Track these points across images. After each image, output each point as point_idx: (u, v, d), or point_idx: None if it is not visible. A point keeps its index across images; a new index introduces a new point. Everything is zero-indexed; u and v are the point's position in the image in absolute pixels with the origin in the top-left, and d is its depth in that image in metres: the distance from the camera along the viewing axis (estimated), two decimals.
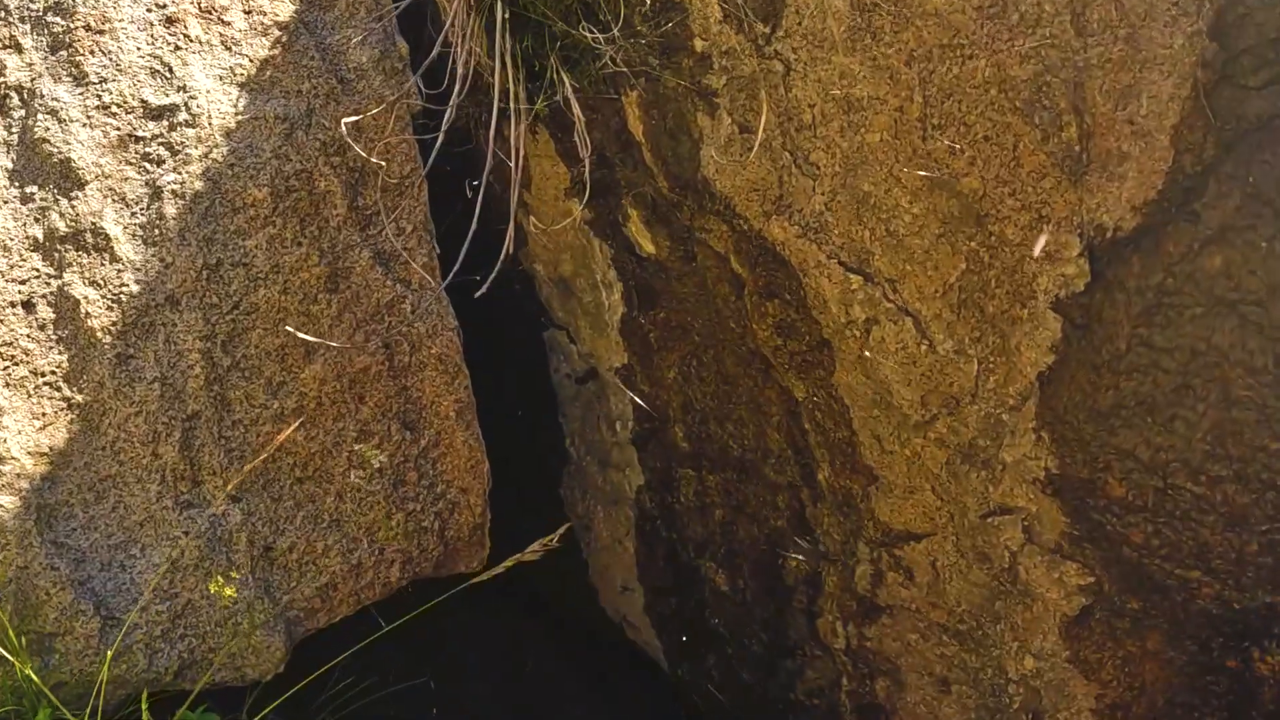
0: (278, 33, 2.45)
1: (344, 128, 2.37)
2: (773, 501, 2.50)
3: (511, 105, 2.24)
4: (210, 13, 2.40)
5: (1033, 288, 1.74)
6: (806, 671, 2.56)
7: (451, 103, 2.26)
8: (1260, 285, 1.51)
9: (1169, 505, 1.68)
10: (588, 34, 1.96)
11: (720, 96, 1.99)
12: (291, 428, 2.20)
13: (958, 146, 1.70)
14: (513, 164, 2.41)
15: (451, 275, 2.47)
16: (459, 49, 2.15)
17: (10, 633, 2.18)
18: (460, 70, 2.19)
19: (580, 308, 2.74)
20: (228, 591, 2.15)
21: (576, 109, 2.21)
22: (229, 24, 2.41)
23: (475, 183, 2.43)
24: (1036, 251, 1.58)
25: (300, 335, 2.37)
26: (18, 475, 2.22)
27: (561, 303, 2.81)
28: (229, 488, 2.35)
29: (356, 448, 2.44)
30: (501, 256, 2.37)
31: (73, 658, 2.25)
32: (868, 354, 2.03)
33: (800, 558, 2.48)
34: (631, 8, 1.91)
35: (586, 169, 2.32)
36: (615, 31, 1.91)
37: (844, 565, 2.36)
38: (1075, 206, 1.65)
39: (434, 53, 2.19)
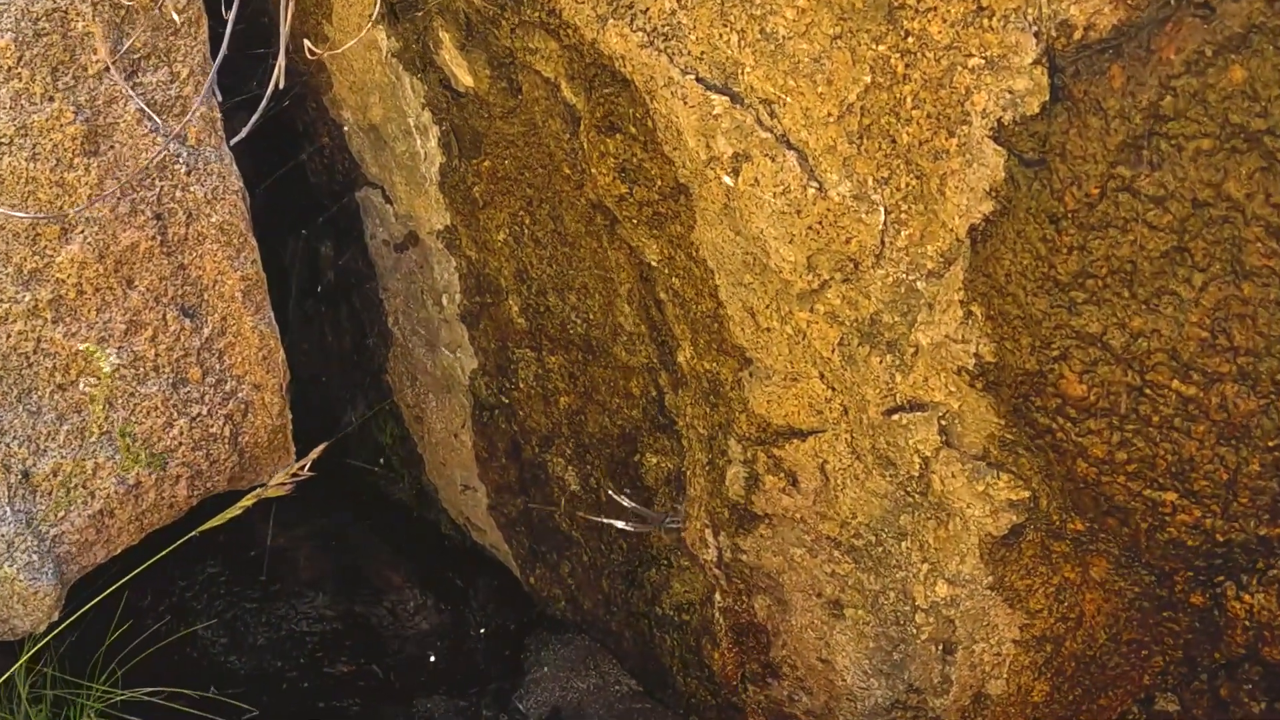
0: None
1: None
2: (625, 388, 1.96)
3: None
4: None
5: (965, 109, 1.17)
6: (673, 584, 2.08)
7: None
8: None
9: (1145, 409, 1.18)
10: None
11: None
12: None
13: None
14: None
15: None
16: None
17: None
18: None
19: (394, 160, 2.12)
20: None
21: None
22: None
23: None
24: None
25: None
26: None
27: (374, 156, 2.18)
28: None
29: (81, 347, 1.84)
30: (267, 95, 1.72)
31: None
32: (736, 202, 1.46)
33: (657, 459, 1.97)
34: None
35: None
36: None
37: (711, 465, 1.85)
38: None
39: None
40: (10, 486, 1.88)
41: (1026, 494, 1.41)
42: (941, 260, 1.30)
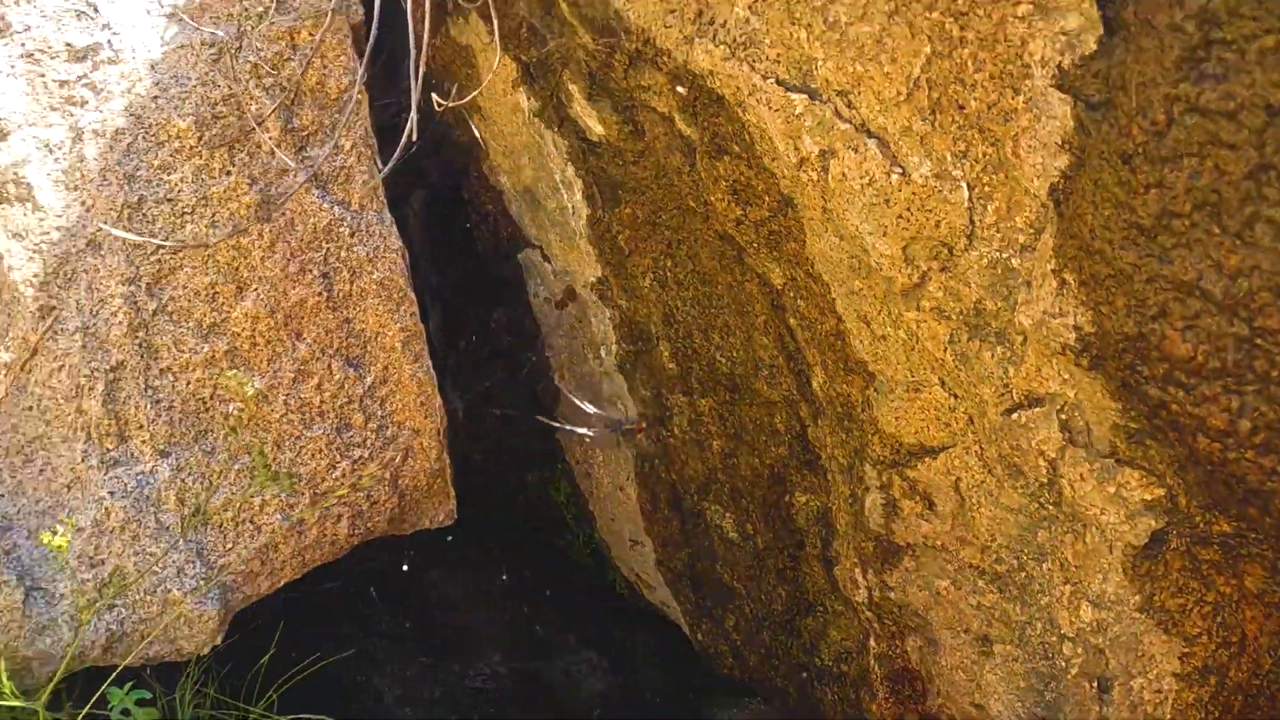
0: None
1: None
2: (771, 424, 1.93)
3: None
4: None
5: (1025, 61, 1.12)
6: (830, 631, 1.98)
7: None
8: None
9: (1260, 364, 1.05)
10: None
11: None
12: None
13: None
14: (412, 47, 1.91)
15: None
16: None
17: None
18: None
19: (548, 218, 2.23)
20: (58, 543, 1.75)
21: None
22: None
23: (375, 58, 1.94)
24: None
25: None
26: None
27: (531, 217, 2.31)
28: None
29: (227, 373, 2.01)
30: (401, 144, 1.87)
31: None
32: (831, 203, 1.44)
33: (806, 497, 1.90)
34: None
35: (496, 33, 1.79)
36: None
37: (853, 497, 1.77)
38: None
39: None
40: (184, 518, 2.04)
41: (1161, 491, 1.26)
42: (1031, 231, 1.22)
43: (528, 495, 2.80)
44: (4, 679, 1.89)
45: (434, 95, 1.87)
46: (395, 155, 1.82)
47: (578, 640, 2.60)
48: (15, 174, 2.04)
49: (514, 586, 2.68)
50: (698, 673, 2.51)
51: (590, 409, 1.71)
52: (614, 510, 2.48)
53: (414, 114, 1.86)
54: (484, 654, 2.58)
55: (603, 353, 2.29)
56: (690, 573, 2.32)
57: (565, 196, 2.14)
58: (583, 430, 1.76)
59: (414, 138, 1.86)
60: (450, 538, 2.61)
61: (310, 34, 2.10)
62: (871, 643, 1.87)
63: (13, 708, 1.89)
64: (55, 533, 1.76)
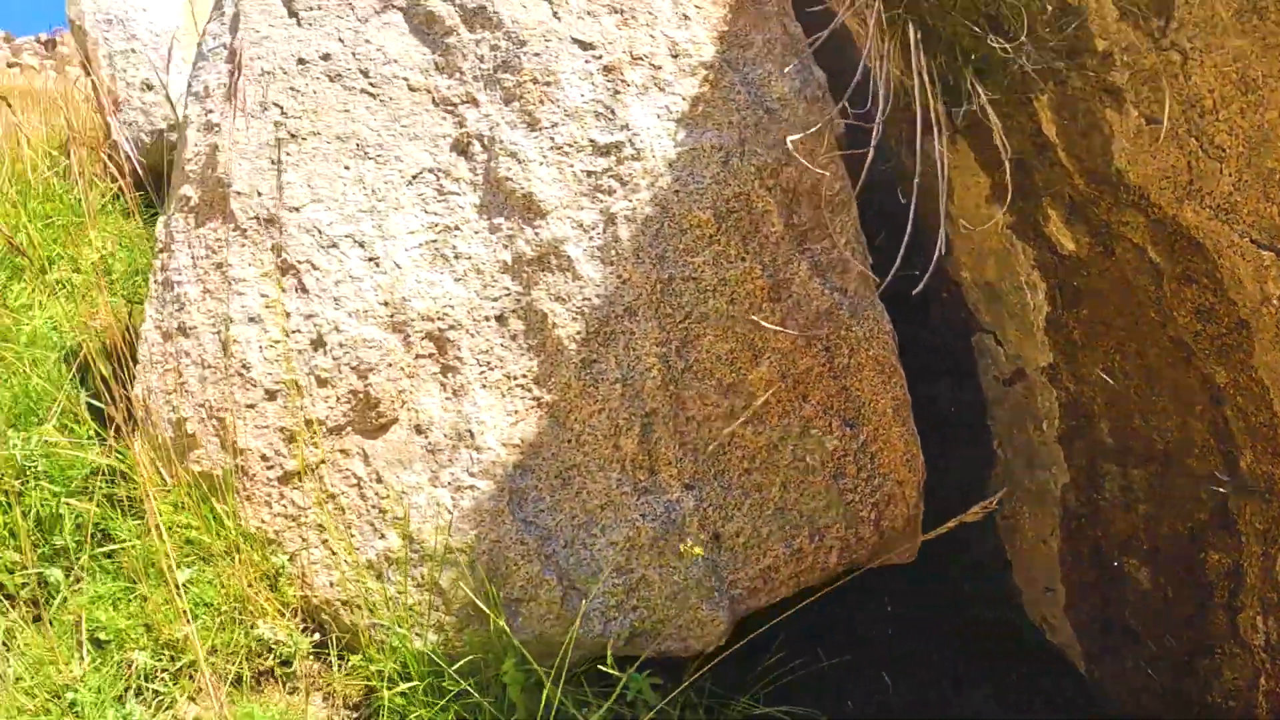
0: (704, 72, 2.60)
1: (790, 146, 2.66)
2: (1194, 494, 2.49)
3: (933, 118, 2.49)
4: (641, 59, 2.56)
5: None
6: (1224, 671, 2.49)
7: (878, 120, 2.55)
8: None
9: None
10: (996, 45, 2.18)
11: (1125, 91, 2.13)
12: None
13: None
14: (939, 173, 2.66)
15: (887, 279, 2.74)
16: (878, 70, 2.43)
17: (488, 591, 2.33)
18: (882, 90, 2.45)
19: (1006, 310, 2.90)
20: (696, 551, 2.29)
21: (993, 115, 2.43)
22: (659, 68, 2.57)
23: (905, 197, 2.68)
24: None
25: (762, 324, 2.47)
26: (493, 463, 2.43)
27: (988, 307, 2.98)
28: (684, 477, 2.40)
29: (812, 432, 2.43)
30: (933, 261, 2.60)
31: (535, 620, 2.36)
32: None
33: (1219, 555, 2.44)
34: (1034, 16, 2.11)
35: (1007, 172, 2.52)
36: (1023, 38, 2.12)
37: (1265, 555, 2.30)
38: None
39: (857, 76, 2.48)
40: (703, 541, 2.43)
41: None
42: None
43: (948, 542, 3.43)
44: (611, 662, 2.20)
45: (957, 225, 2.61)
46: (930, 266, 2.56)
47: (980, 675, 3.14)
48: (556, 248, 2.48)
49: (928, 619, 3.25)
50: (1091, 708, 3.01)
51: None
52: (1032, 560, 3.08)
53: (943, 230, 2.61)
54: (893, 681, 3.11)
55: (1044, 426, 2.92)
56: (1099, 618, 2.88)
57: (1028, 295, 2.80)
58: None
59: (943, 251, 2.61)
60: (876, 575, 2.88)
61: (804, 143, 2.56)
62: (1262, 681, 2.37)
63: (611, 674, 2.24)
64: (688, 545, 2.28)
